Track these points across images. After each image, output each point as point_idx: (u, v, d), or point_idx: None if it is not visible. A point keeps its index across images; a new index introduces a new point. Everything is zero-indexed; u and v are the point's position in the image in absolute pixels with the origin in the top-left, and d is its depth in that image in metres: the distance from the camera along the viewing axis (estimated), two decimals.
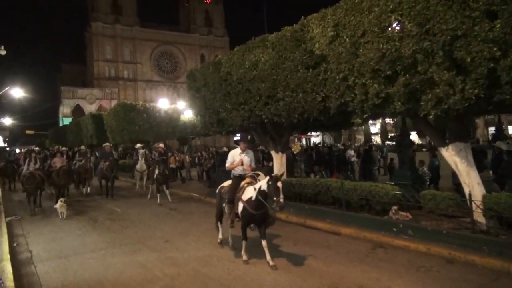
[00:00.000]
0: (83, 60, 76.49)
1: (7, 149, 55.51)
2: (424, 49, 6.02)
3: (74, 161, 16.06)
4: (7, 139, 66.82)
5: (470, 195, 6.80)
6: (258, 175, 7.10)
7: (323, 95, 8.18)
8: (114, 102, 56.74)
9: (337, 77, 7.57)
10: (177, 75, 76.96)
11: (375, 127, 64.41)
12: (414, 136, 55.29)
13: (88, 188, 15.82)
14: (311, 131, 13.45)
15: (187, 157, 20.65)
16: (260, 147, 15.77)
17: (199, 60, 73.14)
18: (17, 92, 27.99)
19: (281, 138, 11.63)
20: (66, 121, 53.39)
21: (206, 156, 17.35)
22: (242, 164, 6.90)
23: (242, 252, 6.63)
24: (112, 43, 70.48)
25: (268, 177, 6.06)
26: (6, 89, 27.55)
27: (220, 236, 7.70)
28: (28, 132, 59.17)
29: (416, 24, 6.05)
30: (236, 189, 6.75)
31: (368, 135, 62.73)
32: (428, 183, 10.78)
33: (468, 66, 5.64)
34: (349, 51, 7.25)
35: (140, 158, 15.49)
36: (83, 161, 15.58)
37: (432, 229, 7.17)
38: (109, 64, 70.26)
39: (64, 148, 25.35)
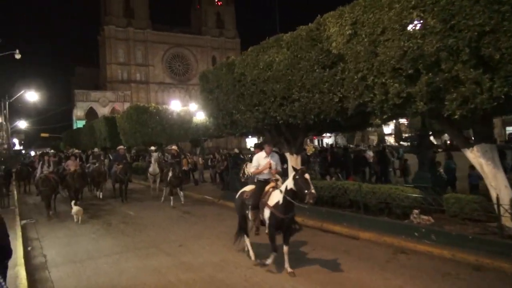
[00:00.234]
0: (97, 63, 77.37)
1: (23, 152, 56.41)
2: (449, 46, 5.75)
3: (88, 164, 16.05)
4: (22, 142, 67.93)
5: (498, 198, 6.49)
6: (277, 179, 6.79)
7: (341, 95, 7.94)
8: (126, 105, 57.18)
9: (355, 77, 7.33)
10: (188, 77, 77.26)
11: (388, 128, 63.51)
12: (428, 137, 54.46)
13: (101, 194, 15.79)
14: (326, 133, 13.16)
15: (200, 159, 20.56)
16: (274, 149, 15.53)
17: (210, 62, 73.31)
18: (32, 96, 28.45)
19: (295, 139, 11.42)
20: (80, 124, 53.98)
21: (219, 158, 17.20)
22: (270, 168, 6.52)
23: (268, 262, 6.17)
24: (124, 46, 71.13)
25: (293, 173, 5.76)
26: (21, 92, 27.97)
27: (251, 252, 6.91)
28: (42, 135, 60.06)
29: (440, 20, 5.79)
30: (260, 194, 6.36)
31: (381, 136, 61.89)
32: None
33: (497, 63, 5.37)
34: (367, 50, 7.01)
35: (153, 162, 15.40)
36: (96, 164, 15.55)
37: (456, 234, 6.87)
38: (121, 67, 70.91)
39: (77, 151, 25.51)
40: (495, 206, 6.50)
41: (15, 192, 18.95)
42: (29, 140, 72.18)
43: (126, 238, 9.20)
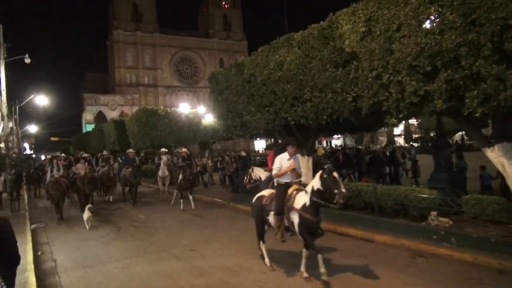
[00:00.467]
0: (105, 67, 77.95)
1: (33, 156, 56.93)
2: (469, 41, 5.51)
3: (98, 167, 15.99)
4: (33, 146, 68.60)
5: None
6: (301, 182, 6.38)
7: (354, 94, 7.71)
8: (135, 108, 57.44)
9: (370, 75, 7.10)
10: (196, 80, 77.51)
11: (397, 129, 62.92)
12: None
13: (111, 196, 15.72)
14: (338, 134, 12.92)
15: (209, 161, 20.43)
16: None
17: (218, 64, 73.39)
18: (42, 100, 28.62)
19: (307, 141, 11.19)
20: (89, 127, 54.33)
21: (229, 160, 17.04)
22: (293, 170, 6.12)
23: (322, 271, 5.47)
24: (133, 50, 71.60)
25: (319, 172, 5.47)
26: (31, 97, 28.14)
27: (267, 259, 6.56)
28: (52, 139, 60.57)
29: (460, 14, 5.55)
30: (283, 198, 5.94)
31: (391, 136, 61.36)
32: None
33: None
34: (382, 47, 6.79)
35: (162, 165, 15.26)
36: (105, 168, 15.47)
37: (478, 236, 6.61)
38: (130, 70, 71.36)
39: (85, 154, 25.55)
40: None
41: (26, 196, 19.00)
42: (39, 144, 72.90)
43: (136, 242, 9.07)
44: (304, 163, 11.23)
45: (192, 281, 6.16)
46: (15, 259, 3.90)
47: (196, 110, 26.53)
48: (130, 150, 16.21)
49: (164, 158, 15.44)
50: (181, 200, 13.19)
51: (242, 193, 13.16)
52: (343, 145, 50.19)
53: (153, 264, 7.23)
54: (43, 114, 48.35)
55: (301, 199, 5.67)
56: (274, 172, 6.21)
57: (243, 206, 12.92)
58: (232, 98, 11.69)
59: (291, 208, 5.75)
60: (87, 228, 10.48)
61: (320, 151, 16.76)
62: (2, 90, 17.74)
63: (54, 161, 12.75)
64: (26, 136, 52.85)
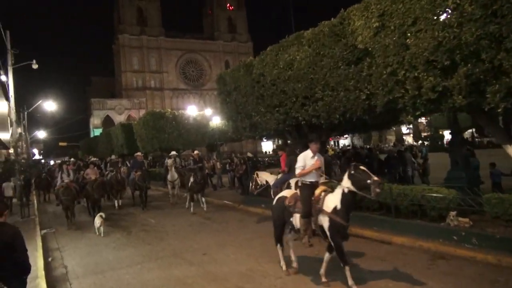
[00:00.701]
0: (112, 72, 78.37)
1: (42, 161, 57.33)
2: (491, 33, 5.30)
3: (106, 172, 15.89)
4: (41, 152, 69.10)
5: None
6: (327, 182, 6.03)
7: (368, 92, 7.52)
8: (142, 112, 57.60)
9: (384, 72, 6.91)
10: (202, 82, 77.60)
11: (406, 127, 62.36)
12: (448, 135, 53.16)
13: (120, 201, 15.61)
14: (350, 133, 12.64)
15: (218, 163, 20.28)
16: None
17: (224, 66, 73.34)
18: (49, 105, 28.75)
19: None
20: (97, 132, 54.57)
21: (238, 162, 16.86)
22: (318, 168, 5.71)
23: (350, 283, 5.24)
24: (138, 54, 71.88)
25: (346, 173, 5.17)
26: (39, 102, 28.28)
27: (282, 261, 6.28)
28: (61, 144, 60.94)
29: (480, 5, 5.34)
30: (310, 200, 5.53)
31: (399, 135, 60.80)
32: None
33: None
34: (397, 43, 6.59)
35: (169, 168, 15.10)
36: (114, 172, 15.35)
37: (501, 237, 6.35)
38: (136, 74, 71.63)
39: (94, 158, 25.57)
40: None
41: (35, 201, 19.02)
42: (47, 149, 73.41)
43: (147, 247, 8.94)
44: None
45: (206, 287, 5.99)
46: (26, 268, 3.79)
47: (203, 112, 26.45)
48: (139, 153, 16.09)
49: (170, 161, 15.25)
50: (191, 203, 13.05)
51: (252, 195, 12.99)
52: (351, 145, 49.82)
53: (166, 269, 7.07)
54: (51, 120, 48.75)
55: (331, 202, 5.30)
56: (297, 171, 5.76)
57: (254, 208, 12.75)
58: (241, 99, 11.54)
59: (321, 211, 5.35)
60: (97, 234, 10.27)
61: (329, 152, 16.50)
62: (10, 96, 17.73)
63: (64, 166, 12.69)
64: (34, 142, 53.22)
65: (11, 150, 18.52)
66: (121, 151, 27.86)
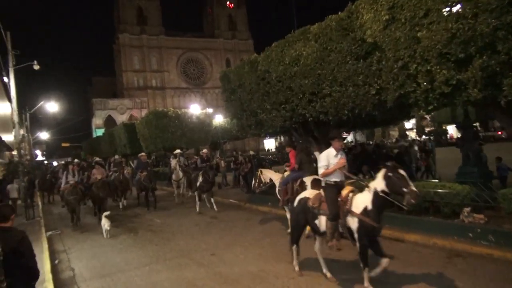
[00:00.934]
0: (113, 72, 78.25)
1: (45, 162, 57.33)
2: (508, 24, 5.13)
3: (110, 172, 15.74)
4: (44, 153, 69.14)
5: None
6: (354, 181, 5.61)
7: (378, 87, 7.34)
8: (144, 111, 57.53)
9: (395, 66, 6.73)
10: (204, 81, 77.42)
11: (409, 122, 62.02)
12: (452, 130, 52.88)
13: (125, 201, 15.48)
14: (358, 129, 12.42)
15: (222, 162, 20.13)
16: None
17: (224, 64, 73.17)
18: (52, 106, 28.70)
19: (324, 138, 10.83)
20: (99, 132, 54.52)
21: (243, 160, 16.72)
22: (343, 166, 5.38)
23: (366, 285, 5.11)
24: (139, 53, 71.72)
25: (383, 170, 4.81)
26: (41, 103, 28.22)
27: (295, 262, 6.08)
28: (63, 145, 60.94)
29: None
30: (337, 201, 5.21)
31: (402, 130, 60.48)
32: None
33: None
34: (408, 35, 6.41)
35: (173, 167, 14.90)
36: (117, 172, 15.19)
37: None
38: (137, 74, 71.48)
39: (98, 159, 25.43)
40: None
41: (40, 203, 18.94)
42: (50, 150, 73.44)
43: (154, 247, 8.81)
44: None
45: None
46: (34, 274, 3.66)
47: (206, 110, 26.30)
48: (143, 154, 15.94)
49: (173, 162, 15.03)
50: (198, 202, 12.90)
51: (258, 194, 12.86)
52: (354, 141, 49.57)
53: (175, 271, 6.94)
54: (53, 121, 48.76)
55: (361, 202, 4.99)
56: (321, 171, 5.41)
57: (260, 206, 12.62)
58: (245, 97, 11.37)
59: (349, 212, 5.05)
60: (105, 237, 10.04)
61: None
62: (12, 97, 17.64)
63: (70, 166, 12.53)
64: (37, 143, 53.25)
65: (15, 152, 18.42)
66: (124, 151, 27.74)
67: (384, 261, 4.98)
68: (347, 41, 7.76)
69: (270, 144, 72.35)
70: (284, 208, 8.84)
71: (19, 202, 15.59)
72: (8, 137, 20.10)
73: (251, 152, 18.23)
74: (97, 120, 64.50)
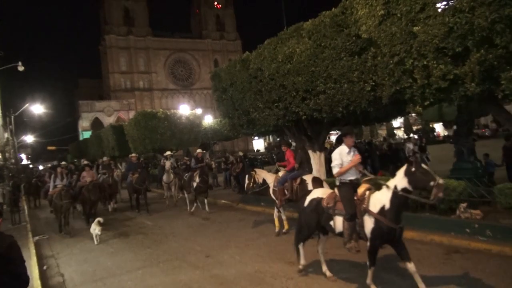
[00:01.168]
0: (99, 73, 77.18)
1: (30, 166, 56.16)
2: (506, 16, 5.08)
3: (99, 175, 15.39)
4: (29, 156, 67.78)
5: None
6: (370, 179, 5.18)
7: (373, 83, 7.27)
8: (131, 113, 56.77)
9: (391, 61, 6.65)
10: (192, 82, 76.88)
11: (396, 121, 62.62)
12: (439, 128, 53.55)
13: (115, 205, 15.11)
14: (352, 126, 12.29)
15: (212, 162, 19.93)
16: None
17: (213, 65, 72.74)
18: (37, 108, 28.11)
19: (318, 136, 10.77)
20: (86, 134, 53.60)
21: (234, 160, 16.56)
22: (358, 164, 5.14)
23: (368, 281, 4.95)
24: (126, 55, 70.82)
25: (404, 168, 4.55)
26: (26, 106, 27.59)
27: (303, 261, 5.87)
28: (49, 148, 59.78)
29: None
30: (353, 200, 4.95)
31: (390, 129, 61.05)
32: None
33: None
34: (404, 30, 6.34)
35: (166, 169, 14.61)
36: (106, 175, 14.81)
37: None
38: (124, 75, 70.56)
39: (85, 162, 24.93)
40: None
41: (26, 207, 18.46)
42: (35, 154, 72.04)
43: (147, 250, 8.60)
44: (316, 159, 10.81)
45: None
46: (24, 281, 3.43)
47: (195, 111, 26.03)
48: (133, 155, 15.62)
49: (168, 163, 14.75)
50: (195, 204, 12.64)
51: (250, 194, 12.70)
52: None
53: (169, 274, 6.75)
54: (38, 123, 47.74)
55: (378, 201, 4.71)
56: (335, 170, 5.16)
57: (253, 207, 12.48)
58: (237, 95, 11.20)
59: (366, 212, 4.77)
60: (95, 243, 9.60)
61: (328, 147, 16.26)
62: None
63: (58, 169, 12.10)
64: (22, 147, 52.10)
65: None
66: (112, 153, 27.27)
67: (410, 266, 4.65)
68: (342, 37, 7.67)
69: (259, 144, 72.24)
70: (278, 209, 8.64)
71: (4, 207, 15.13)
72: None
73: (240, 153, 18.09)
74: (84, 123, 63.44)
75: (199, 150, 13.35)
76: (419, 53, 6.17)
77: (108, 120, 60.05)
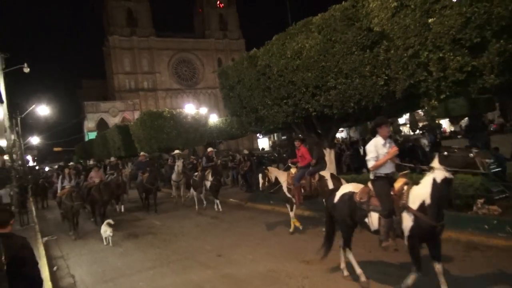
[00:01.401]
0: (103, 74, 77.35)
1: (37, 167, 56.42)
2: None
3: (107, 175, 15.31)
4: (35, 158, 68.06)
5: None
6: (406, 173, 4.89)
7: (386, 77, 7.11)
8: (136, 113, 56.88)
9: (405, 54, 6.50)
10: (196, 81, 76.82)
11: (402, 118, 62.14)
12: (446, 124, 53.06)
13: (122, 206, 15.01)
14: (362, 122, 12.04)
15: (218, 161, 19.81)
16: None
17: (216, 64, 72.62)
18: (43, 110, 28.11)
19: (327, 132, 10.60)
20: (92, 135, 53.70)
21: (241, 159, 16.42)
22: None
23: (405, 285, 4.56)
24: (130, 55, 70.88)
25: (436, 157, 4.30)
26: (32, 107, 27.62)
27: (358, 269, 5.28)
28: (55, 149, 60.04)
29: None
30: (391, 195, 4.63)
31: (396, 126, 60.55)
32: None
33: None
34: (418, 22, 6.18)
35: (176, 169, 14.47)
36: (115, 175, 14.70)
37: None
38: (128, 76, 70.65)
39: (92, 162, 24.98)
40: None
41: (33, 208, 18.46)
42: (42, 155, 72.32)
43: (157, 250, 8.50)
44: (326, 155, 10.64)
45: None
46: (38, 283, 3.34)
47: (198, 111, 25.89)
48: (143, 153, 15.49)
49: (179, 162, 14.59)
50: (205, 203, 12.48)
51: (259, 192, 12.55)
52: (348, 138, 49.46)
53: (180, 274, 6.64)
54: (44, 125, 48.00)
55: (417, 196, 4.39)
56: (371, 163, 4.81)
57: (262, 205, 12.35)
58: (245, 93, 11.05)
59: (405, 208, 4.47)
60: (106, 244, 9.43)
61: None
62: (3, 100, 17.14)
63: (66, 170, 11.98)
64: (28, 148, 52.31)
65: (6, 157, 17.93)
66: (118, 154, 27.24)
67: (438, 267, 4.46)
68: (353, 31, 7.51)
69: (263, 143, 72.04)
70: (292, 207, 8.47)
71: (12, 208, 15.12)
72: (1, 143, 19.57)
73: (245, 151, 17.94)
74: (89, 123, 63.59)
75: (210, 149, 13.17)
76: (435, 45, 6.02)
77: (113, 121, 60.14)
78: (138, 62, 71.25)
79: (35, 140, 48.08)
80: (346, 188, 5.36)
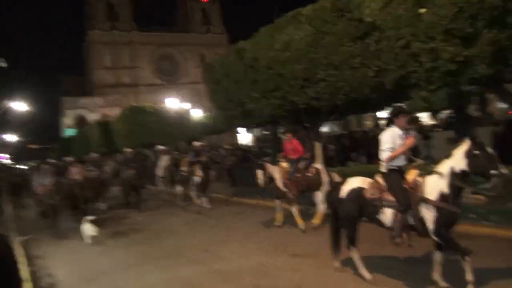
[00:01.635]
0: (83, 70, 75.57)
1: (12, 166, 54.69)
2: None
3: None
4: (11, 156, 66.02)
5: None
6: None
7: (376, 68, 7.06)
8: (117, 109, 55.69)
9: (396, 45, 6.44)
10: (178, 76, 75.91)
11: (383, 111, 62.94)
12: (426, 118, 54.13)
13: (105, 204, 14.58)
14: (349, 115, 11.99)
15: (204, 156, 19.57)
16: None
17: (199, 59, 71.94)
18: (20, 106, 27.13)
19: (314, 125, 10.53)
20: (70, 132, 52.50)
21: (225, 153, 16.23)
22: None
23: (470, 279, 4.22)
24: (110, 50, 69.36)
25: (465, 146, 4.02)
26: (8, 104, 26.62)
27: (363, 270, 5.05)
28: (32, 146, 58.35)
29: None
30: (406, 189, 4.41)
31: (376, 120, 61.38)
32: None
33: None
34: (411, 12, 6.13)
35: (164, 165, 14.12)
36: (97, 171, 14.19)
37: None
38: (109, 71, 69.16)
39: (70, 158, 24.26)
40: None
41: (8, 208, 17.80)
42: (17, 153, 70.20)
43: (141, 247, 8.23)
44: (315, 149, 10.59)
45: (220, 287, 5.41)
46: (17, 284, 3.09)
47: (183, 105, 25.54)
48: (128, 149, 15.09)
49: (166, 158, 14.21)
50: (202, 199, 12.17)
51: (242, 186, 12.40)
52: (331, 132, 49.82)
53: (166, 270, 6.42)
54: (19, 122, 46.43)
55: (433, 187, 4.23)
56: (385, 154, 4.55)
57: (249, 200, 12.25)
58: (232, 86, 10.84)
59: (423, 200, 4.27)
60: (89, 243, 8.90)
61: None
62: None
63: (43, 167, 11.49)
64: (2, 146, 50.65)
65: None
66: (100, 150, 26.62)
67: (437, 255, 4.46)
68: (343, 23, 7.43)
69: (245, 138, 71.74)
70: (290, 202, 8.11)
71: None
72: None
73: (227, 147, 17.73)
74: (67, 120, 62.03)
75: (197, 143, 12.84)
76: (427, 35, 5.99)
77: (92, 117, 58.80)
78: (119, 57, 69.88)
79: (10, 137, 46.51)
80: (354, 182, 5.00)
